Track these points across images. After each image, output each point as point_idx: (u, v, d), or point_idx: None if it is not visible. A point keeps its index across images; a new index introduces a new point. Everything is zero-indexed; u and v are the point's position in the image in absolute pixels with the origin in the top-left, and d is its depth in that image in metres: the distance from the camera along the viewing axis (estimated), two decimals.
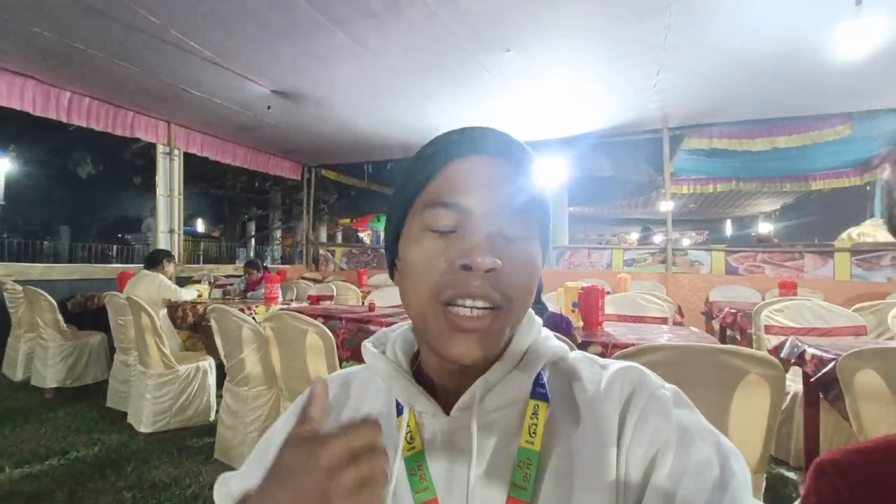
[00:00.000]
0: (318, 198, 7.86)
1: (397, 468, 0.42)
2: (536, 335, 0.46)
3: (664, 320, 2.69)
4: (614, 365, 0.45)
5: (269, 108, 4.14)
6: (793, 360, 1.70)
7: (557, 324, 1.47)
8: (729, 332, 3.32)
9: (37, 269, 4.10)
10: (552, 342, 0.47)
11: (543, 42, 3.00)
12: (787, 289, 3.31)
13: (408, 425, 0.44)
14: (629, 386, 0.42)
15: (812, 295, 3.44)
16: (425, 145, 0.45)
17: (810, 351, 1.59)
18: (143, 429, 2.41)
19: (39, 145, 9.02)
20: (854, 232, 4.56)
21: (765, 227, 10.68)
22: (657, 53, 3.10)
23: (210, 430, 2.43)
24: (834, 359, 1.40)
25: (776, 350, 1.84)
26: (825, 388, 1.48)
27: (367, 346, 0.49)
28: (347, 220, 14.39)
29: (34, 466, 2.07)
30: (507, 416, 0.43)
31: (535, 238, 0.43)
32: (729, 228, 14.10)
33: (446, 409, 0.43)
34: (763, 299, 3.61)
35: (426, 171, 0.43)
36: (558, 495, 0.39)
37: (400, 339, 0.49)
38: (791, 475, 2.00)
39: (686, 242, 11.26)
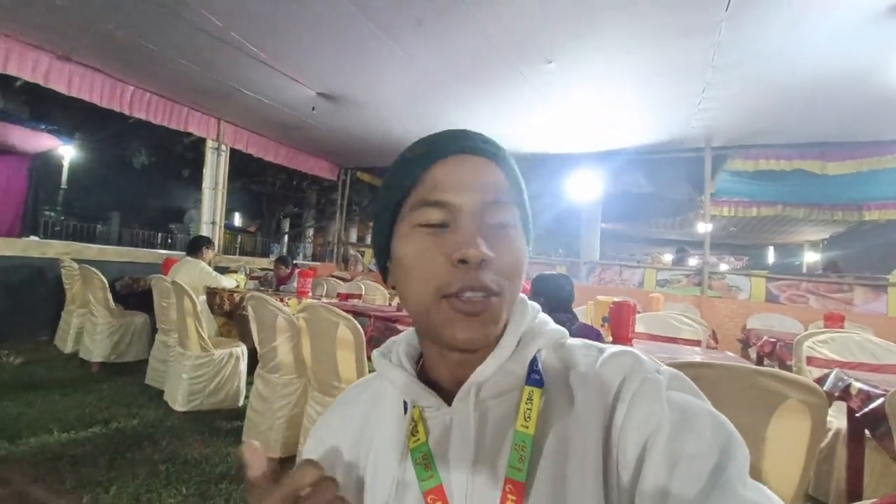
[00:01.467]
0: (352, 199, 8.05)
1: (403, 461, 0.45)
2: (531, 321, 0.48)
3: (697, 343, 2.60)
4: (610, 349, 0.46)
5: (313, 109, 4.30)
6: (837, 394, 1.61)
7: (588, 335, 1.45)
8: (767, 361, 3.17)
9: (92, 250, 4.38)
10: (549, 326, 0.49)
11: (586, 55, 3.00)
12: (834, 321, 3.14)
13: (412, 419, 0.46)
14: (622, 370, 0.42)
15: (861, 330, 3.25)
16: (407, 150, 0.48)
17: (857, 385, 1.51)
18: (178, 407, 2.53)
19: (98, 134, 9.64)
20: None
21: (810, 256, 10.16)
22: (704, 71, 3.04)
23: (239, 414, 2.52)
24: (883, 394, 1.33)
25: (819, 382, 1.75)
26: (872, 425, 1.40)
27: (376, 354, 0.53)
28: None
29: (79, 433, 2.21)
30: (503, 402, 0.45)
31: (518, 225, 0.46)
32: (771, 256, 13.45)
33: (449, 403, 0.46)
34: (806, 330, 3.43)
35: (412, 173, 0.45)
36: (553, 476, 0.40)
37: (404, 343, 0.53)
38: None
39: (724, 267, 10.82)
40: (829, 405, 1.30)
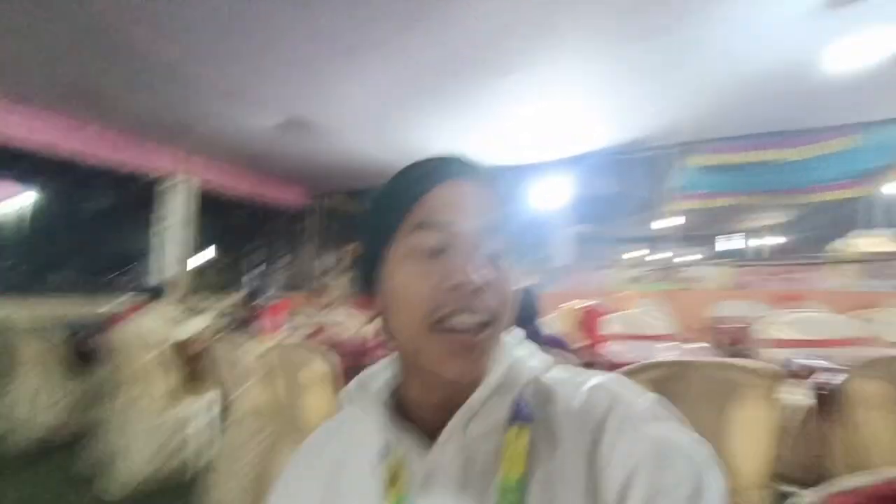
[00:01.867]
0: (326, 224, 7.97)
1: None
2: (515, 353, 0.47)
3: (670, 337, 2.66)
4: (591, 381, 0.45)
5: (278, 136, 4.25)
6: (801, 374, 1.67)
7: (553, 345, 1.46)
8: (741, 346, 3.28)
9: (44, 306, 4.14)
10: (532, 361, 0.47)
11: (546, 64, 3.09)
12: (792, 300, 3.28)
13: (390, 465, 0.44)
14: (603, 405, 0.42)
15: (820, 307, 3.40)
16: (399, 174, 0.47)
17: (818, 363, 1.57)
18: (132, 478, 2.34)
19: (57, 179, 9.25)
20: (859, 242, 4.53)
21: (770, 241, 10.66)
22: (659, 71, 3.17)
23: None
24: (843, 370, 1.39)
25: (784, 363, 1.81)
26: (833, 402, 1.45)
27: (351, 387, 0.50)
28: (352, 247, 14.55)
29: None
30: (488, 442, 0.43)
31: (510, 254, 0.45)
32: (733, 243, 14.00)
33: (430, 436, 0.44)
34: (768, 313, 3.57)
35: (409, 196, 0.44)
36: None
37: (382, 373, 0.50)
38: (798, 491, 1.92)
39: (689, 259, 11.17)
40: (799, 383, 1.35)
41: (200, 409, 2.58)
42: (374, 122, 4.11)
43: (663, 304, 4.11)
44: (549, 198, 5.35)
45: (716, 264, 4.84)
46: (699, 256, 12.43)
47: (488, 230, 0.44)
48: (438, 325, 0.41)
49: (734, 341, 3.16)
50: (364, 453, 0.47)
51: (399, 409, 0.47)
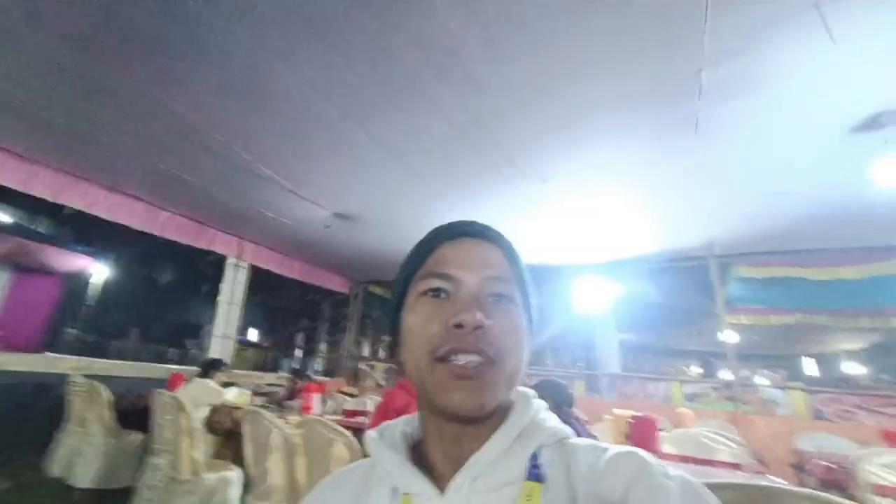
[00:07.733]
0: (364, 313, 8.11)
1: None
2: (534, 415, 0.48)
3: (736, 466, 2.31)
4: (613, 448, 0.45)
5: (327, 227, 4.60)
6: None
7: (580, 432, 1.33)
8: (836, 489, 2.76)
9: (101, 364, 4.36)
10: (551, 422, 0.48)
11: (579, 174, 3.26)
12: (894, 440, 2.80)
13: None
14: (626, 474, 0.41)
15: None
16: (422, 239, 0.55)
17: None
18: None
19: (125, 252, 10.30)
20: None
21: (850, 367, 9.49)
22: (692, 183, 3.24)
23: None
24: None
25: None
26: None
27: (370, 433, 0.53)
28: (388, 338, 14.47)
29: None
30: (501, 498, 0.43)
31: (518, 303, 0.49)
32: (809, 367, 12.54)
33: (441, 489, 0.44)
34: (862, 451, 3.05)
35: (422, 252, 0.52)
36: None
37: (401, 424, 0.53)
38: None
39: (760, 381, 10.07)
40: None
41: (223, 482, 2.47)
42: (413, 215, 4.31)
43: (728, 427, 3.64)
44: (589, 301, 5.21)
45: (786, 388, 4.32)
46: (772, 379, 11.20)
47: (491, 278, 0.48)
48: (440, 361, 0.44)
49: (828, 482, 2.69)
50: (378, 496, 0.48)
51: (417, 458, 0.49)
